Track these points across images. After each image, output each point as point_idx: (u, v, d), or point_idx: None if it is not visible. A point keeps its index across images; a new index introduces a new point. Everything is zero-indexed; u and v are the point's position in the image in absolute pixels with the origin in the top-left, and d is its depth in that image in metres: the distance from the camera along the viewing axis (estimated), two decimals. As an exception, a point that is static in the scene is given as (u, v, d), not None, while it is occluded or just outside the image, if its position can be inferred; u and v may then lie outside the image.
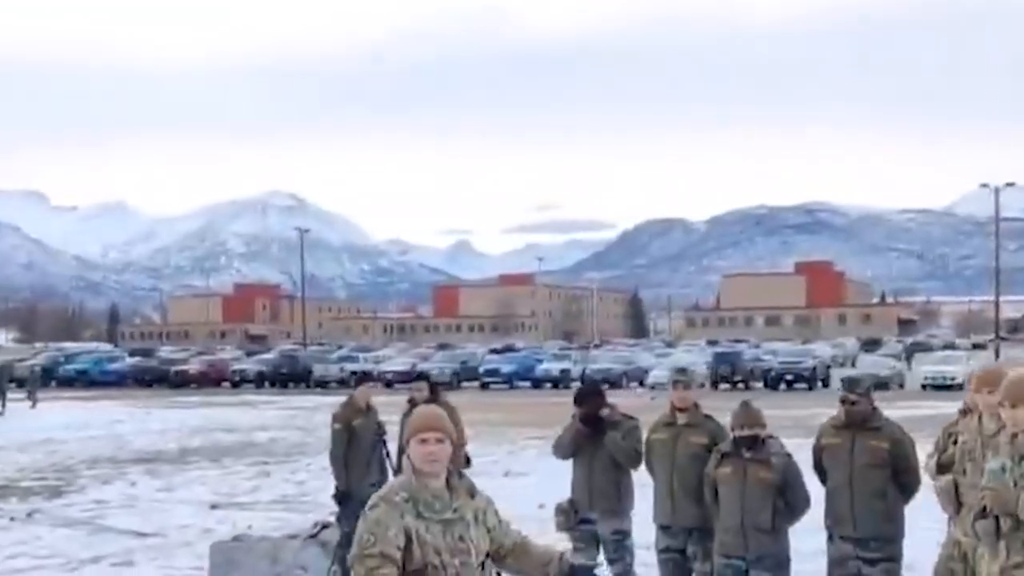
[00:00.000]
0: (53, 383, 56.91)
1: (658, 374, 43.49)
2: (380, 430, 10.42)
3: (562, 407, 9.48)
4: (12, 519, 14.32)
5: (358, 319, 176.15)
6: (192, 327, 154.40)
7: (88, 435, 27.77)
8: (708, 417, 7.93)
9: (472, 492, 4.45)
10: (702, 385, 42.00)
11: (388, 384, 48.00)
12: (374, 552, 4.19)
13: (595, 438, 8.31)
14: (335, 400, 10.33)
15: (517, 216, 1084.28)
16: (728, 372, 47.99)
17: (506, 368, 53.41)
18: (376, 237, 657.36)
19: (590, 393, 8.56)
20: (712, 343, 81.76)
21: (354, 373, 34.91)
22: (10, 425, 31.58)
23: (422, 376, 11.42)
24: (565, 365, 52.49)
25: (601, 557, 8.46)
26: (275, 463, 21.09)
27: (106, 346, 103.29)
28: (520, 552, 4.60)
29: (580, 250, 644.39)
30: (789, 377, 47.01)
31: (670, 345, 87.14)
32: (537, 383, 50.80)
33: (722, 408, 8.45)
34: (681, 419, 7.89)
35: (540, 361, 54.88)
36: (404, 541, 4.20)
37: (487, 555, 4.46)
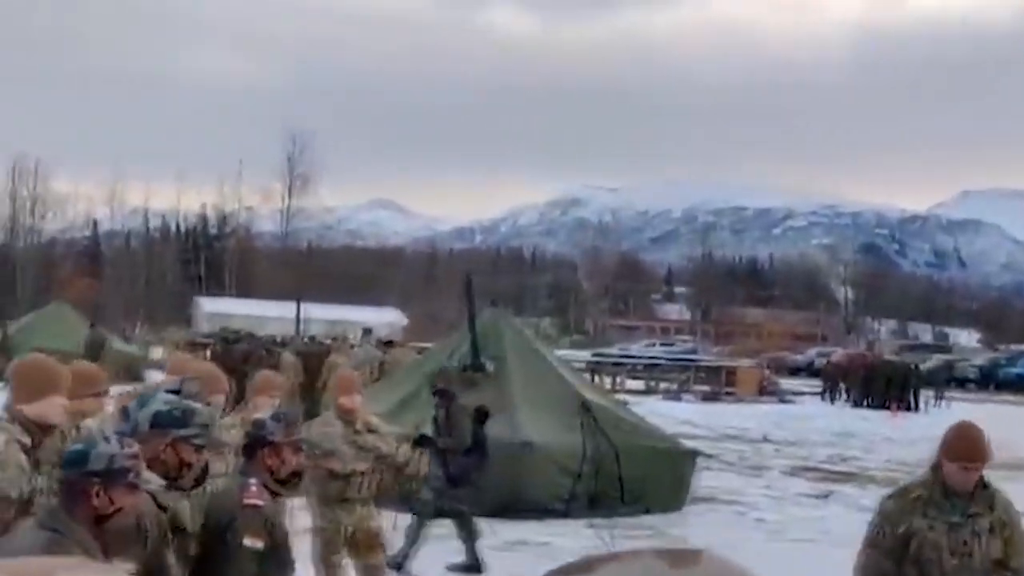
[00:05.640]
0: (991, 386, 57.76)
1: None
2: None
3: None
4: (816, 497, 16.58)
5: None
6: None
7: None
8: None
9: (992, 505, 5.08)
10: None
11: None
12: (882, 544, 5.11)
13: None
14: None
15: None
16: None
17: None
18: None
19: None
20: None
21: None
22: (916, 422, 33.60)
23: None
24: None
25: None
26: None
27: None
28: None
29: None
30: None
31: None
32: None
33: None
34: None
35: None
36: (906, 535, 5.03)
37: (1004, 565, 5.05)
